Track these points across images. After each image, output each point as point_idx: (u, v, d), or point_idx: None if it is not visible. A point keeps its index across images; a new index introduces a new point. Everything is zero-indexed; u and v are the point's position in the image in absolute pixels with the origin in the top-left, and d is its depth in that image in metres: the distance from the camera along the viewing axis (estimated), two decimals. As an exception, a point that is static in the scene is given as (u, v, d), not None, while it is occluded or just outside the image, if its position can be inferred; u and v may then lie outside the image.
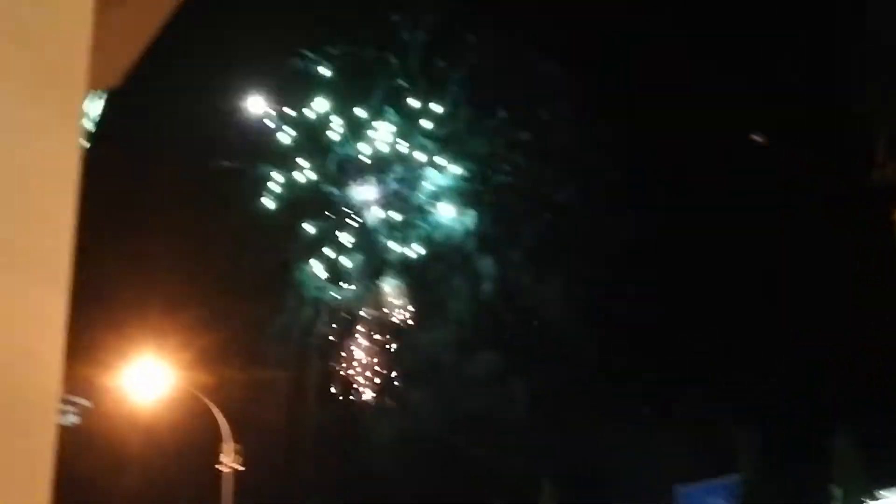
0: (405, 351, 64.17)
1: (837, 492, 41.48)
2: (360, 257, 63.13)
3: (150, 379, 21.73)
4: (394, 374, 64.15)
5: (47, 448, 2.07)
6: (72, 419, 24.03)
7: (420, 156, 59.66)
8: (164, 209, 52.75)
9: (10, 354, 2.03)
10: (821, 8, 49.53)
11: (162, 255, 52.55)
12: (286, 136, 58.18)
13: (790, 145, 57.01)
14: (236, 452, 21.75)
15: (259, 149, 58.15)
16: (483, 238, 61.64)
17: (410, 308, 63.62)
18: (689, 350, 66.08)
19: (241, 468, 21.50)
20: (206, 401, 21.82)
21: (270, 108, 57.80)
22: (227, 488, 21.25)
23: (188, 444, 37.12)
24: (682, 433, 51.68)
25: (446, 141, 59.57)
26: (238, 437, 21.90)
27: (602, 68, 58.44)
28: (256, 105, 57.95)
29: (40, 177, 2.19)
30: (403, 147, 59.75)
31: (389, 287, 63.44)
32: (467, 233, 61.22)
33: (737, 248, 68.10)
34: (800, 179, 58.62)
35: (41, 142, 2.21)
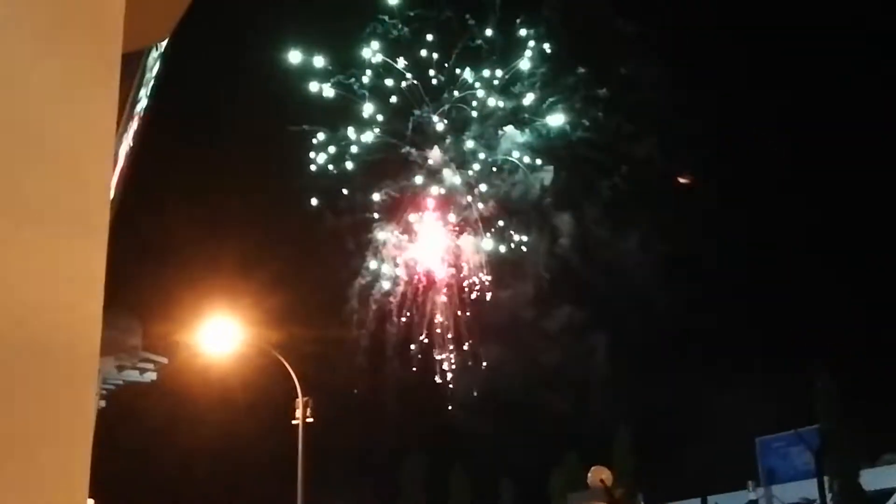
0: (483, 307, 64.39)
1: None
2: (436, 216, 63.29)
3: (224, 336, 22.17)
4: (470, 329, 64.43)
5: (87, 402, 2.10)
6: (150, 376, 24.53)
7: (498, 113, 59.41)
8: (237, 171, 53.41)
9: (51, 309, 2.05)
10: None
11: (235, 216, 53.38)
12: (361, 98, 58.15)
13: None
14: (307, 405, 22.12)
15: (333, 111, 58.36)
16: (562, 194, 61.36)
17: (487, 266, 63.71)
18: (767, 303, 65.23)
19: (312, 420, 21.91)
20: (279, 356, 22.18)
21: (343, 69, 57.66)
22: (301, 440, 21.67)
23: (262, 399, 37.88)
24: (762, 385, 51.07)
25: (524, 98, 59.17)
26: (311, 391, 22.34)
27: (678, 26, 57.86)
28: (325, 65, 57.72)
29: (77, 132, 2.20)
30: (481, 106, 59.53)
31: (467, 245, 63.55)
32: (546, 189, 60.88)
33: (813, 204, 66.78)
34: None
35: (78, 97, 2.22)
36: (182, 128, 46.44)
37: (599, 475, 11.26)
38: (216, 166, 52.65)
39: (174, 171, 47.71)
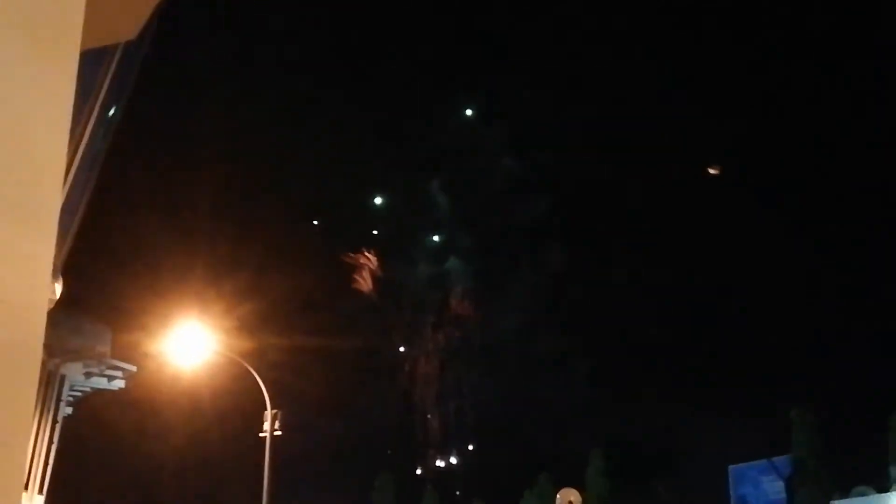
0: (463, 327, 64.35)
1: (893, 472, 41.07)
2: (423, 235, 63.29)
3: (193, 344, 22.01)
4: (445, 347, 64.34)
5: (28, 396, 2.08)
6: (118, 383, 24.35)
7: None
8: (209, 178, 53.24)
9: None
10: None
11: (206, 224, 53.09)
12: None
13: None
14: (275, 418, 21.98)
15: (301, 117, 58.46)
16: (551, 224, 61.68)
17: (469, 288, 63.70)
18: (746, 333, 65.55)
19: (280, 433, 21.77)
20: (248, 366, 22.03)
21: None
22: (268, 454, 21.50)
23: (231, 409, 37.62)
24: (738, 414, 51.34)
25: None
26: (279, 403, 22.19)
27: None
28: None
29: (30, 125, 2.18)
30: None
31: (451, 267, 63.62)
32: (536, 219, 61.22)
33: (791, 234, 67.25)
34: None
35: (33, 93, 2.20)
36: (154, 135, 46.38)
37: (568, 497, 11.26)
38: (188, 173, 52.51)
39: (146, 177, 47.60)
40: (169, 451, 45.71)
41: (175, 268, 45.50)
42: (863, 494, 52.79)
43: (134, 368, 23.76)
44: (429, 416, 64.25)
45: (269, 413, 22.30)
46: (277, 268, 52.75)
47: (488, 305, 63.83)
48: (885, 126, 56.49)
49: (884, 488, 48.56)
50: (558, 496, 11.50)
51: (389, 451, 61.68)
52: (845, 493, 50.50)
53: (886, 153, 56.05)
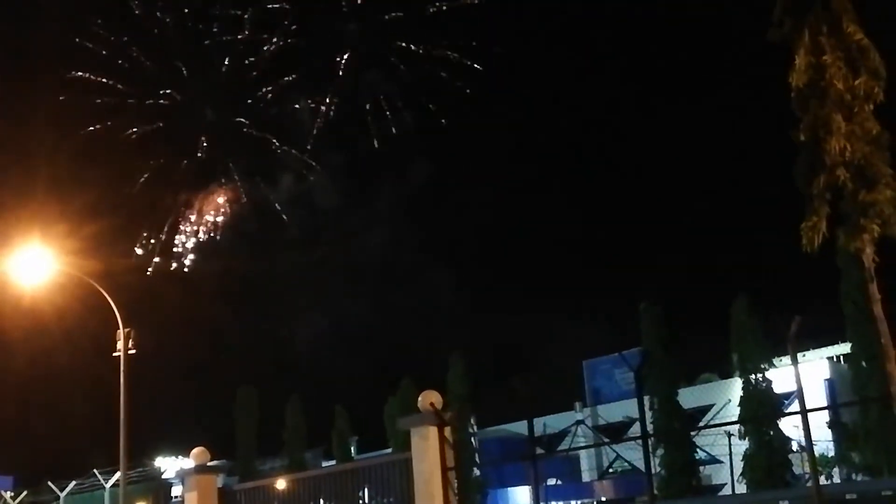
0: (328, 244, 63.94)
1: (735, 359, 42.86)
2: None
3: (36, 265, 20.99)
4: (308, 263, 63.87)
5: None
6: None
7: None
8: (50, 91, 50.63)
9: None
10: None
11: (48, 139, 50.57)
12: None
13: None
14: (128, 337, 21.33)
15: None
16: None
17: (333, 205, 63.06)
18: (596, 233, 67.17)
19: (134, 351, 21.18)
20: (97, 286, 21.20)
21: None
22: (123, 373, 20.90)
23: (81, 331, 36.47)
24: (589, 312, 52.77)
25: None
26: (132, 322, 21.52)
27: None
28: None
29: None
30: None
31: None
32: None
33: (641, 126, 68.60)
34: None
35: None
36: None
37: (430, 399, 11.24)
38: (26, 85, 49.82)
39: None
40: (12, 374, 44.31)
41: (15, 185, 43.40)
42: (707, 381, 55.57)
43: (-27, 292, 22.57)
44: (290, 329, 64.01)
45: (121, 332, 21.65)
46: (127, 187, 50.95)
47: (353, 221, 63.66)
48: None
49: (726, 374, 51.18)
50: (420, 399, 11.48)
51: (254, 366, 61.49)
52: (691, 381, 52.99)
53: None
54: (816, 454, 29.06)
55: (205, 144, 60.10)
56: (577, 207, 66.04)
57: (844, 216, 20.68)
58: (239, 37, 57.92)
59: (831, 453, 42.97)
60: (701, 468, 45.36)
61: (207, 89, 59.81)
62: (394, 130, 60.04)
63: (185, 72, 58.37)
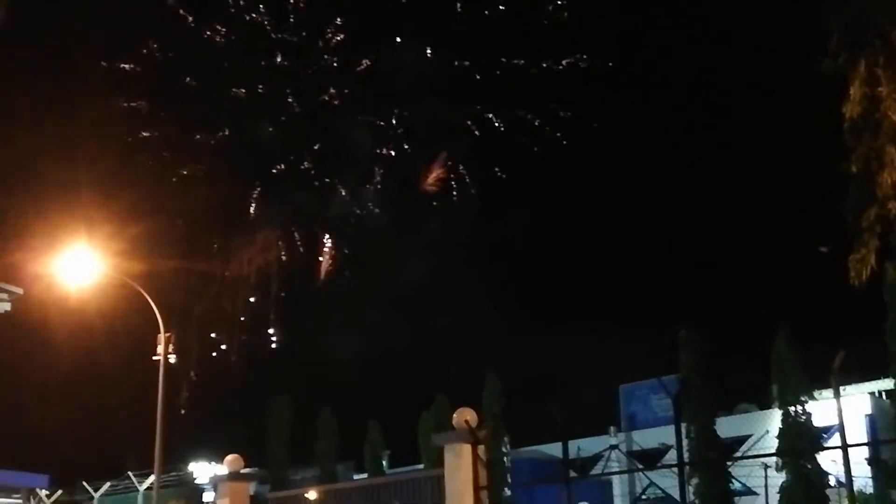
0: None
1: (775, 390, 42.34)
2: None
3: (82, 266, 21.25)
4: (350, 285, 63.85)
5: None
6: (4, 306, 23.44)
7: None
8: (94, 91, 51.01)
9: None
10: None
11: (93, 141, 50.88)
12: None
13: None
14: (168, 341, 21.48)
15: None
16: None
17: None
18: (637, 256, 66.84)
19: (174, 357, 21.28)
20: (140, 289, 21.42)
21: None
22: (162, 377, 21.05)
23: (123, 333, 36.79)
24: (629, 337, 52.39)
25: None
26: (172, 327, 21.67)
27: None
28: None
29: None
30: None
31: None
32: None
33: (681, 157, 68.31)
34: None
35: None
36: (36, 44, 44.23)
37: (465, 416, 11.21)
38: (72, 85, 50.19)
39: (26, 88, 45.46)
40: (59, 376, 44.70)
41: (60, 186, 43.79)
42: (746, 411, 54.91)
43: (20, 291, 22.86)
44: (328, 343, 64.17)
45: (162, 336, 21.85)
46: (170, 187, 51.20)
47: (399, 245, 63.60)
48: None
49: (765, 405, 50.59)
50: (455, 416, 11.42)
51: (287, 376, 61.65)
52: (729, 410, 52.40)
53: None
54: (854, 490, 28.56)
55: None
56: (622, 233, 65.53)
57: (894, 250, 20.37)
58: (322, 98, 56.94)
59: (869, 490, 42.25)
60: (736, 499, 44.81)
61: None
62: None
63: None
